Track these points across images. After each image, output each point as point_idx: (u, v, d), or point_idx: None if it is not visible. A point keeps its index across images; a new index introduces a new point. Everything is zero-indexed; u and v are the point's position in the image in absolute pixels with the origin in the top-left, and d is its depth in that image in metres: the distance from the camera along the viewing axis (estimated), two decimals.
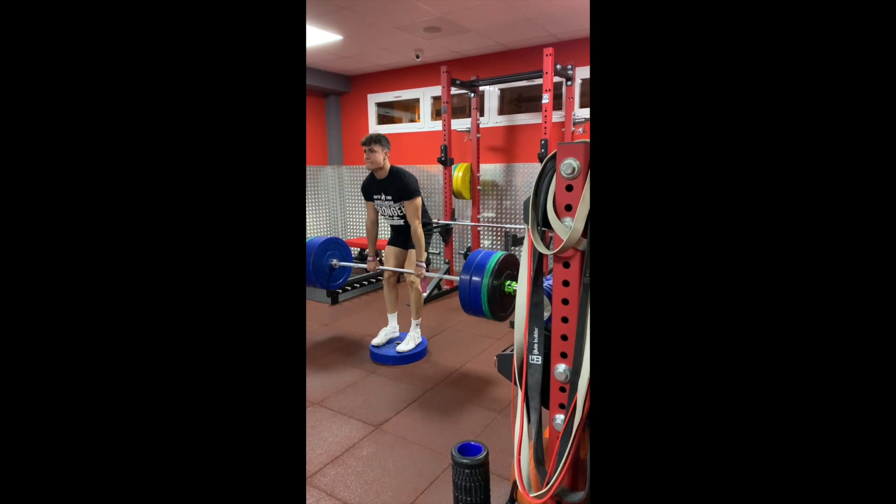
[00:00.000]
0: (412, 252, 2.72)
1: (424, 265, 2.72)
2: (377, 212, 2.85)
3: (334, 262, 3.09)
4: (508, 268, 2.32)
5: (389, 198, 2.71)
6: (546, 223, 0.95)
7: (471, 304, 2.29)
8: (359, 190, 5.71)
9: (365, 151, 2.64)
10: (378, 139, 2.61)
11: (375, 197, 2.77)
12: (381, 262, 2.99)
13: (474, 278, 2.26)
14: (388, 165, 2.68)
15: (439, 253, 4.48)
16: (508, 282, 2.28)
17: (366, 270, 3.32)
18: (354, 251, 5.44)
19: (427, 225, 2.95)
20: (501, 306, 2.29)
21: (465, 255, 4.70)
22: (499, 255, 2.31)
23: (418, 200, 2.67)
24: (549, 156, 0.94)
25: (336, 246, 3.12)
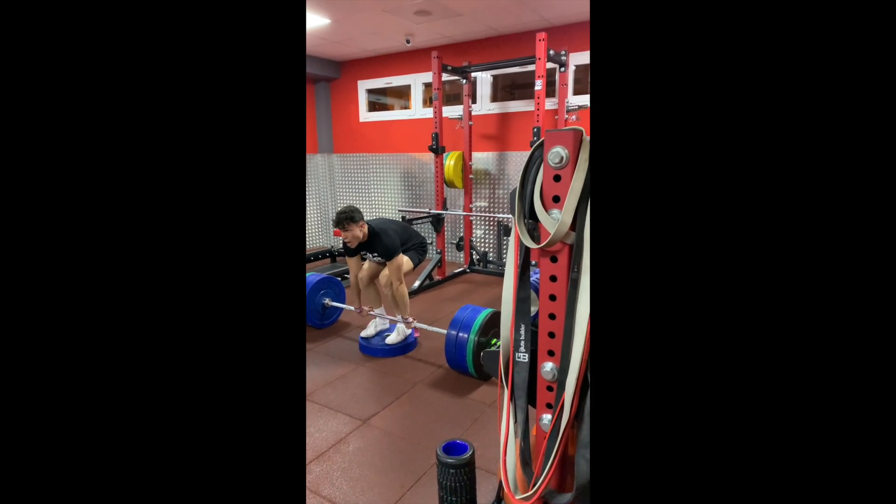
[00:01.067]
0: (389, 263, 2.67)
1: (411, 318, 2.78)
2: (360, 265, 2.85)
3: (327, 301, 3.10)
4: (495, 325, 2.31)
5: (376, 255, 2.72)
6: (533, 215, 0.90)
7: (456, 359, 2.33)
8: (349, 179, 5.67)
9: (340, 231, 2.57)
10: (350, 217, 2.53)
11: (361, 252, 2.77)
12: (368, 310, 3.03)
13: (461, 334, 2.29)
14: (365, 231, 2.62)
15: (431, 243, 4.43)
16: (494, 340, 2.28)
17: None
18: (340, 241, 5.37)
19: (422, 245, 2.94)
20: None
21: (458, 246, 4.65)
22: (486, 312, 2.34)
23: (399, 258, 2.65)
24: (536, 143, 0.89)
25: (329, 285, 3.14)
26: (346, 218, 2.52)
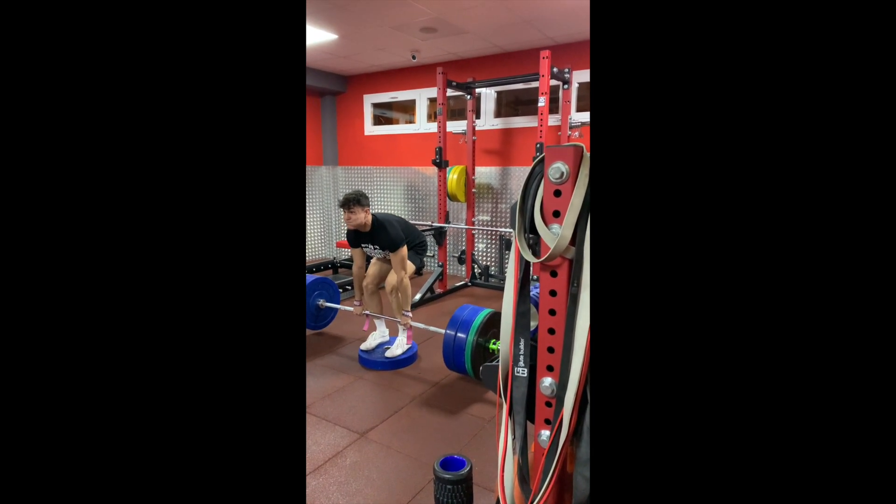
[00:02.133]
0: (393, 255, 2.65)
1: (410, 314, 2.73)
2: (364, 257, 2.83)
3: (321, 302, 3.06)
4: (494, 326, 2.29)
5: (377, 247, 2.70)
6: (534, 229, 0.90)
7: (454, 360, 2.29)
8: (353, 190, 5.70)
9: (345, 212, 2.57)
10: (357, 200, 2.53)
11: (363, 245, 2.76)
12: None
13: (459, 334, 2.25)
14: (370, 219, 2.62)
15: (433, 255, 4.43)
16: (493, 340, 2.25)
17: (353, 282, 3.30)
18: (343, 252, 5.39)
19: (422, 244, 2.93)
20: None
21: (460, 259, 4.65)
22: (485, 312, 2.30)
23: (404, 250, 2.63)
24: (537, 158, 0.90)
25: (324, 286, 3.10)
26: (353, 200, 2.52)
